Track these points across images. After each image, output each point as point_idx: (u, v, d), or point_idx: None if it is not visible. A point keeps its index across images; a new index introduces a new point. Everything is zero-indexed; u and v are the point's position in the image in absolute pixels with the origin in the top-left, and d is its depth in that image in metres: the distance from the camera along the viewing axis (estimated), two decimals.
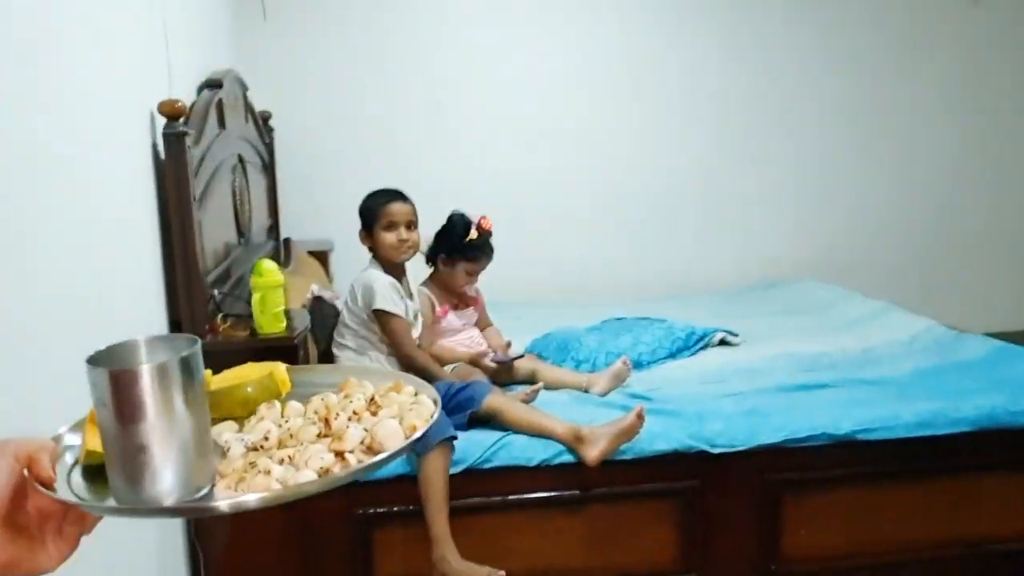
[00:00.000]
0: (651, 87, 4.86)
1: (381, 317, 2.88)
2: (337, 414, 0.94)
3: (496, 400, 2.72)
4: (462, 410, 2.72)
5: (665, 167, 4.93)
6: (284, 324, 2.60)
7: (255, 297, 2.54)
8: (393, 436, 0.90)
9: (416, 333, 3.00)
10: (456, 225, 3.25)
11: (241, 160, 3.54)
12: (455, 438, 2.59)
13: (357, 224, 3.02)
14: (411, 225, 2.94)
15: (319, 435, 0.92)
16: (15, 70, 1.57)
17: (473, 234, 3.21)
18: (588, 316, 4.10)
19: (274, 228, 4.39)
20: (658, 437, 2.77)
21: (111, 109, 2.18)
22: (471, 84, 4.73)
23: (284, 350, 2.56)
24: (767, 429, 2.80)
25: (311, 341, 2.96)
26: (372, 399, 0.98)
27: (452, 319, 3.27)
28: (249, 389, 1.01)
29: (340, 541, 2.63)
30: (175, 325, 2.50)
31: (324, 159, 4.65)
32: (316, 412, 0.96)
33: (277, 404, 0.99)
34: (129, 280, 2.30)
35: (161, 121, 2.46)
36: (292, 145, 4.55)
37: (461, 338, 3.29)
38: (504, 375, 3.23)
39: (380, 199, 2.95)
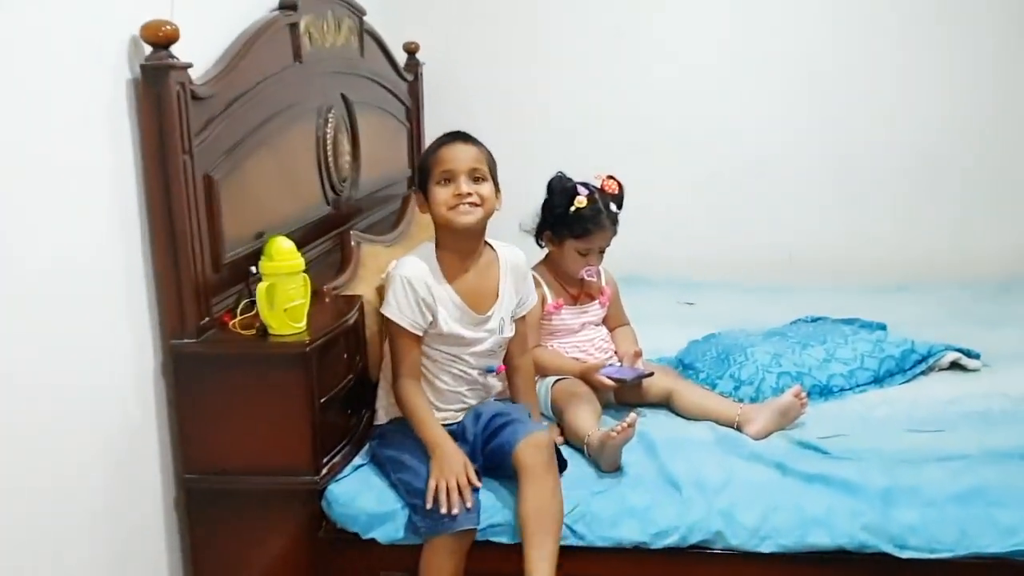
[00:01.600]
0: (914, 19, 3.73)
1: (387, 325, 2.16)
2: None
3: (537, 443, 1.98)
4: (498, 461, 2.01)
5: (919, 123, 3.79)
6: (302, 324, 1.96)
7: (261, 287, 1.92)
8: None
9: (483, 346, 2.18)
10: (554, 192, 2.49)
11: (346, 101, 2.92)
12: (475, 529, 1.93)
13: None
14: (478, 176, 2.10)
15: None
16: None
17: (580, 202, 2.43)
18: (781, 308, 3.20)
19: (411, 183, 3.77)
20: (818, 524, 1.91)
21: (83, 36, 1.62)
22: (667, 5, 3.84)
23: (292, 361, 1.92)
24: (992, 530, 1.85)
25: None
26: None
27: (567, 316, 2.51)
28: None
29: None
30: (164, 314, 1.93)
31: (479, 99, 3.94)
32: None
33: None
34: (97, 256, 1.77)
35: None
36: (443, 85, 3.90)
37: (578, 340, 2.52)
38: (629, 395, 2.44)
39: (433, 145, 2.19)
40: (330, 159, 2.76)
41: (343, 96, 2.91)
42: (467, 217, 2.08)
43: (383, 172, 3.35)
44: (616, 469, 2.10)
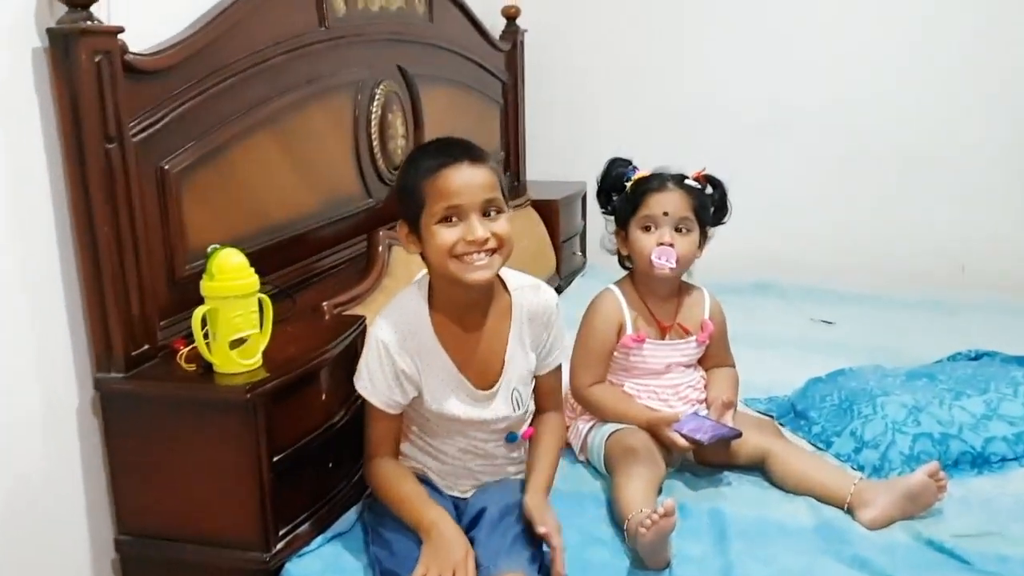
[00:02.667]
0: None
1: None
2: None
3: None
4: None
5: None
6: (253, 360, 1.54)
7: (197, 313, 1.51)
8: None
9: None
10: (607, 174, 1.99)
11: (404, 74, 2.48)
12: None
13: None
14: (493, 209, 1.50)
15: None
16: None
17: (640, 175, 1.94)
18: (941, 334, 2.57)
19: (507, 166, 3.30)
20: None
21: None
22: None
23: (231, 409, 1.49)
24: None
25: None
26: None
27: (651, 353, 1.95)
28: None
29: None
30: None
31: (592, 75, 3.41)
32: None
33: None
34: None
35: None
36: (549, 57, 3.39)
37: (660, 385, 1.96)
38: (714, 454, 1.88)
39: (425, 162, 1.52)
40: (374, 143, 2.33)
41: (400, 68, 2.47)
42: (482, 273, 1.49)
43: None
44: (664, 566, 1.57)
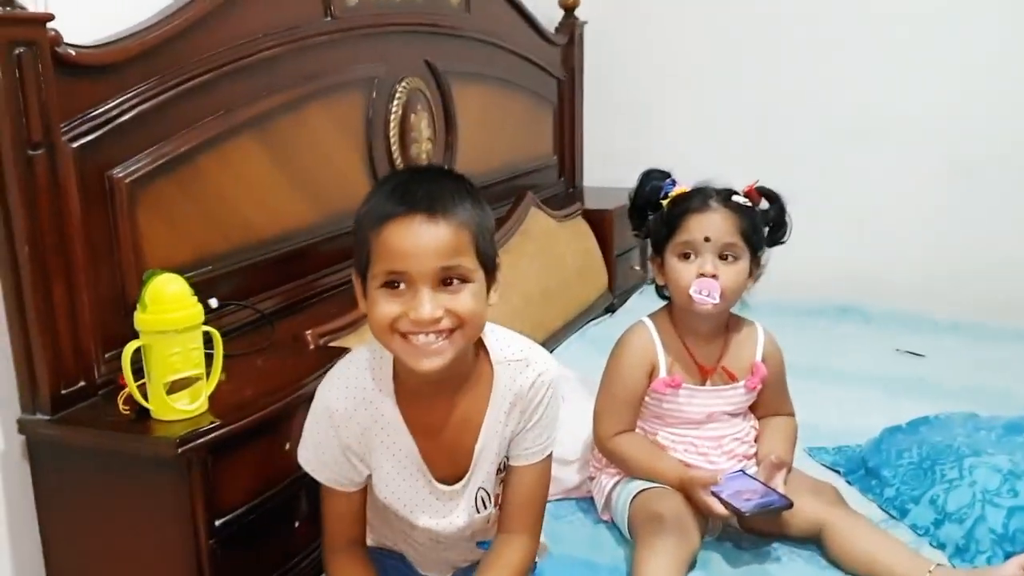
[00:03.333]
0: None
1: None
2: None
3: None
4: None
5: None
6: (196, 406, 1.31)
7: (127, 349, 1.28)
8: None
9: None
10: (641, 189, 1.68)
11: (432, 69, 2.23)
12: None
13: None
14: (452, 278, 1.14)
15: None
16: None
17: (679, 190, 1.63)
18: None
19: (561, 171, 3.03)
20: None
21: None
22: None
23: (161, 465, 1.26)
24: None
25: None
26: None
27: (687, 399, 1.64)
28: None
29: None
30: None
31: (645, 71, 3.09)
32: None
33: None
34: None
35: None
36: (611, 52, 3.09)
37: (698, 436, 1.65)
38: (762, 521, 1.57)
39: (376, 205, 1.15)
40: (393, 147, 2.09)
41: (427, 63, 2.22)
42: (432, 361, 1.14)
43: (509, 161, 2.64)
44: None
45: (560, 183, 3.02)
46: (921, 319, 2.61)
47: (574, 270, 2.50)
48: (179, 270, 1.54)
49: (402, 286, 1.12)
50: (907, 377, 2.27)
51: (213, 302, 1.59)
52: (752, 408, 1.73)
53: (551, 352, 2.31)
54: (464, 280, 1.14)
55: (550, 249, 2.45)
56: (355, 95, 1.98)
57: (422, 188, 1.13)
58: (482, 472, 1.28)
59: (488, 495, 1.29)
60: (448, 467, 1.27)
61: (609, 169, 3.14)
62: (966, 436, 1.75)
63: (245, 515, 1.35)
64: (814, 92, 2.89)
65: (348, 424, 1.22)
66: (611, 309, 2.76)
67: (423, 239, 1.10)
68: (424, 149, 2.19)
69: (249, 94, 1.67)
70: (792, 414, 1.74)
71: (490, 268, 1.18)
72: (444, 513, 1.28)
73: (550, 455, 1.35)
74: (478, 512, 1.29)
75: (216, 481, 1.29)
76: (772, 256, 2.90)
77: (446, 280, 1.13)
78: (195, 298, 1.32)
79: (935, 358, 2.38)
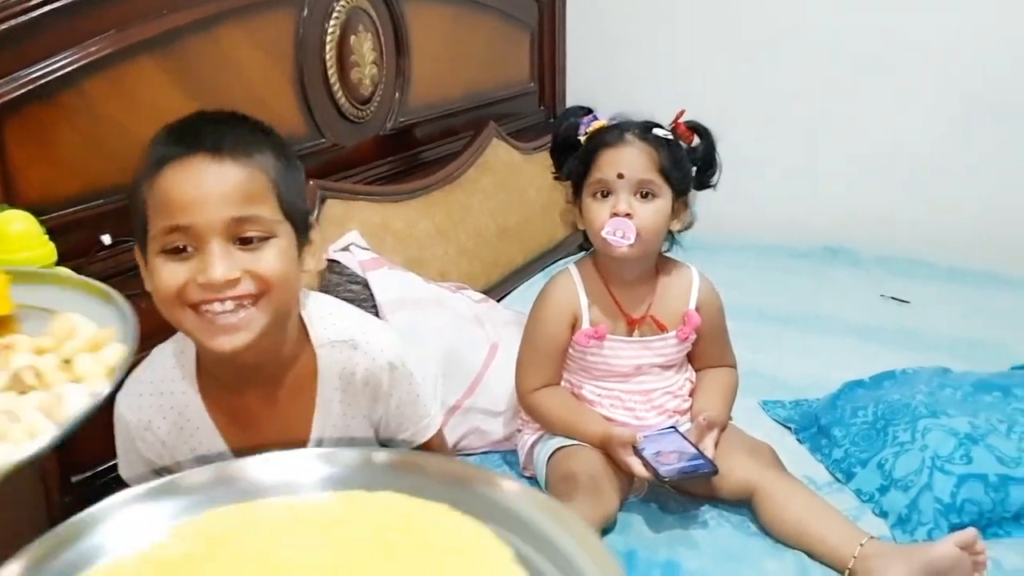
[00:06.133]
0: None
1: None
2: None
3: None
4: None
5: None
6: None
7: None
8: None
9: None
10: (559, 126, 1.54)
11: None
12: None
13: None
14: (250, 233, 0.96)
15: None
16: None
17: (595, 125, 1.48)
18: None
19: (541, 100, 2.85)
20: None
21: None
22: None
23: None
24: None
25: None
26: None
27: (612, 351, 1.51)
28: None
29: None
30: None
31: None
32: None
33: None
34: None
35: None
36: None
37: (626, 390, 1.52)
38: (687, 484, 1.45)
39: (153, 151, 0.98)
40: (330, 70, 1.94)
41: None
42: (232, 340, 0.96)
43: (476, 88, 2.48)
44: None
45: (541, 112, 2.85)
46: (915, 262, 2.43)
47: (539, 206, 2.35)
48: (64, 205, 1.45)
49: (189, 249, 0.95)
50: (888, 326, 2.10)
51: (106, 238, 1.48)
52: (690, 359, 1.59)
53: (513, 290, 2.20)
54: (266, 237, 0.97)
55: (511, 184, 2.30)
56: (282, 14, 1.83)
57: (208, 127, 0.97)
58: None
59: None
60: None
61: (600, 99, 2.95)
62: (928, 394, 1.59)
63: (107, 472, 1.25)
64: (819, 19, 2.66)
65: (145, 436, 1.07)
66: (586, 247, 2.61)
67: (207, 182, 0.93)
68: (368, 74, 2.04)
69: (143, 11, 1.54)
70: (733, 365, 1.60)
71: (300, 226, 1.02)
72: None
73: (438, 432, 1.23)
74: None
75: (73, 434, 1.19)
76: (764, 195, 2.76)
77: (243, 238, 0.96)
78: (46, 237, 1.20)
79: (923, 306, 2.20)
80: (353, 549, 0.78)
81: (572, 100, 2.94)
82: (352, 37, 1.99)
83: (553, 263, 2.44)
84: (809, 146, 2.73)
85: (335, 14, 1.94)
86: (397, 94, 2.16)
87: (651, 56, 2.84)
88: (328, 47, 1.93)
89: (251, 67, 1.78)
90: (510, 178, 2.30)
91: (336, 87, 1.96)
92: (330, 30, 1.93)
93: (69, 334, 0.85)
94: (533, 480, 1.55)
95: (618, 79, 2.89)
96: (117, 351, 0.83)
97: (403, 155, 2.22)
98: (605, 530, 1.38)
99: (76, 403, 0.77)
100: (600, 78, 2.90)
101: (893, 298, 2.23)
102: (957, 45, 2.49)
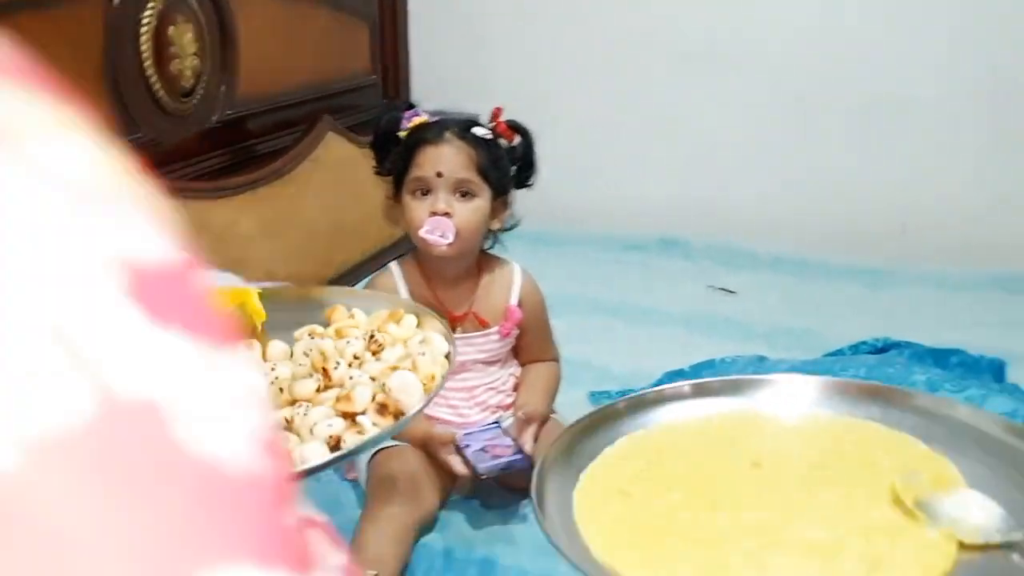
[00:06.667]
0: None
1: None
2: (337, 363, 0.86)
3: None
4: None
5: None
6: None
7: None
8: (410, 390, 0.82)
9: None
10: (381, 121, 1.55)
11: None
12: None
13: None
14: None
15: (318, 389, 0.85)
16: None
17: (416, 120, 1.48)
18: (864, 312, 2.17)
19: (386, 92, 2.83)
20: None
21: None
22: None
23: None
24: None
25: None
26: (372, 336, 0.90)
27: None
28: None
29: None
30: None
31: None
32: (309, 357, 0.87)
33: (257, 345, 0.88)
34: None
35: None
36: None
37: (453, 386, 1.51)
38: (511, 479, 1.45)
39: None
40: (146, 62, 1.87)
41: None
42: None
43: (311, 80, 2.43)
44: None
45: (384, 105, 2.81)
46: (743, 253, 2.51)
47: (379, 202, 2.31)
48: None
49: None
50: (713, 316, 2.17)
51: None
52: (515, 354, 1.61)
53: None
54: None
55: (348, 179, 2.27)
56: (89, 5, 1.75)
57: None
58: None
59: None
60: None
61: (449, 91, 2.94)
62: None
63: None
64: (662, 19, 2.73)
65: None
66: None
67: None
68: (189, 65, 1.97)
69: None
70: (555, 359, 1.62)
71: None
72: None
73: None
74: None
75: None
76: (603, 189, 2.80)
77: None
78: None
79: (748, 296, 2.29)
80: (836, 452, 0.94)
81: (419, 93, 2.92)
82: (171, 28, 1.92)
83: (394, 260, 2.42)
84: (644, 139, 2.80)
85: (150, 4, 1.86)
86: (223, 87, 2.09)
87: (502, 47, 2.86)
88: (143, 38, 1.86)
89: (57, 59, 1.68)
90: (347, 173, 2.27)
91: (153, 79, 1.88)
92: (144, 21, 1.86)
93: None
94: (356, 483, 1.54)
95: (469, 71, 2.89)
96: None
97: (233, 148, 2.16)
98: (424, 530, 1.39)
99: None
100: (448, 70, 2.89)
101: (721, 288, 2.31)
102: (786, 43, 2.60)
